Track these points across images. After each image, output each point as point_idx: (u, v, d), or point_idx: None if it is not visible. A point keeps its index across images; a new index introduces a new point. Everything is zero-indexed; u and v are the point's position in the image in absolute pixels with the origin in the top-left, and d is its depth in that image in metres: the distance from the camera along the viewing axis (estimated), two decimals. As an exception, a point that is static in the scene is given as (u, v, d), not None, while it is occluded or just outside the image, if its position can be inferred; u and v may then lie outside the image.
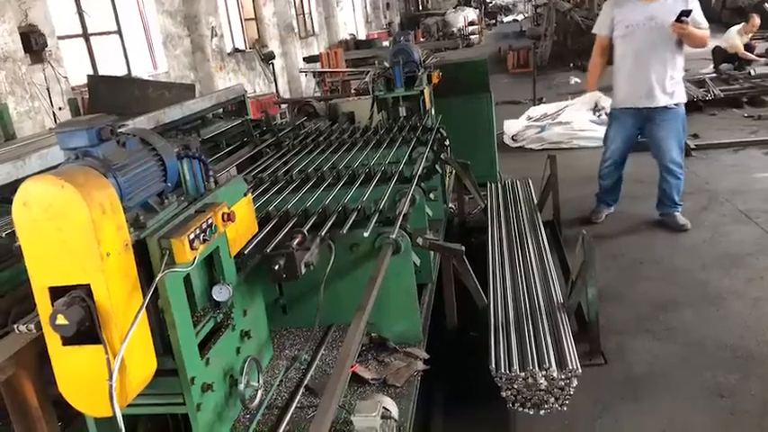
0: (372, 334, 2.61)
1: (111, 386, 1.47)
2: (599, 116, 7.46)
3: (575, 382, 2.80)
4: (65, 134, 1.59)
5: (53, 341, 1.53)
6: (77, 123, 1.60)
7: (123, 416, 1.52)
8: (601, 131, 8.70)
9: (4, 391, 1.75)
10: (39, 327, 1.57)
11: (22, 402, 1.77)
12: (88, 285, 1.48)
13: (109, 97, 5.95)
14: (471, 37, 28.75)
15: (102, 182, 1.52)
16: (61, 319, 1.43)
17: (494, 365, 2.88)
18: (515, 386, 2.83)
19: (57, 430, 1.87)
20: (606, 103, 6.02)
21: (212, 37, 13.42)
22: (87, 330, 1.47)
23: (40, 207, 1.44)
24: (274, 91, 15.19)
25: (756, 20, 11.77)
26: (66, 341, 1.50)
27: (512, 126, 9.49)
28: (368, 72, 5.60)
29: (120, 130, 1.74)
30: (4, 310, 2.16)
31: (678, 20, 4.94)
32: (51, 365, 1.56)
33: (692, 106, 9.83)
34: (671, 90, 5.20)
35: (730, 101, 9.78)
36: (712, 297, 4.28)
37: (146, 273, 1.65)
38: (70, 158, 1.60)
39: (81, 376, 1.53)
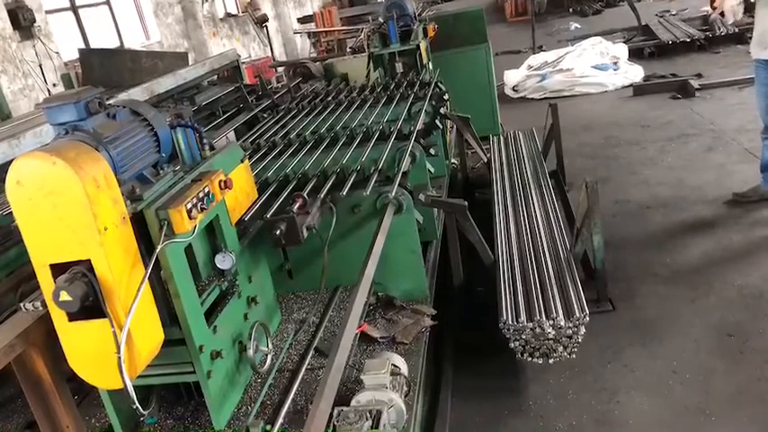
0: (379, 293, 2.62)
1: (119, 359, 1.48)
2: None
3: (582, 330, 2.82)
4: (52, 109, 1.56)
5: (59, 317, 1.54)
6: (63, 98, 1.57)
7: (135, 387, 1.54)
8: (602, 77, 8.62)
9: (16, 368, 1.77)
10: (45, 304, 1.57)
11: (34, 379, 1.79)
12: (89, 260, 1.48)
13: (102, 70, 5.86)
14: (467, -13, 28.10)
15: (93, 156, 1.50)
16: (64, 296, 1.44)
17: (501, 317, 2.89)
18: (523, 337, 2.85)
19: (71, 405, 1.89)
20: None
21: (203, 3, 13.15)
22: (92, 305, 1.48)
23: (34, 185, 1.43)
24: (269, 55, 14.95)
25: None
26: (72, 317, 1.51)
27: (512, 76, 9.35)
28: (362, 29, 5.47)
29: (109, 102, 1.72)
30: (11, 288, 2.18)
31: None
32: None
33: (695, 45, 9.67)
34: None
35: (734, 37, 9.56)
36: (719, 236, 4.28)
37: (146, 245, 1.65)
38: (60, 134, 1.58)
39: (89, 351, 1.55)
